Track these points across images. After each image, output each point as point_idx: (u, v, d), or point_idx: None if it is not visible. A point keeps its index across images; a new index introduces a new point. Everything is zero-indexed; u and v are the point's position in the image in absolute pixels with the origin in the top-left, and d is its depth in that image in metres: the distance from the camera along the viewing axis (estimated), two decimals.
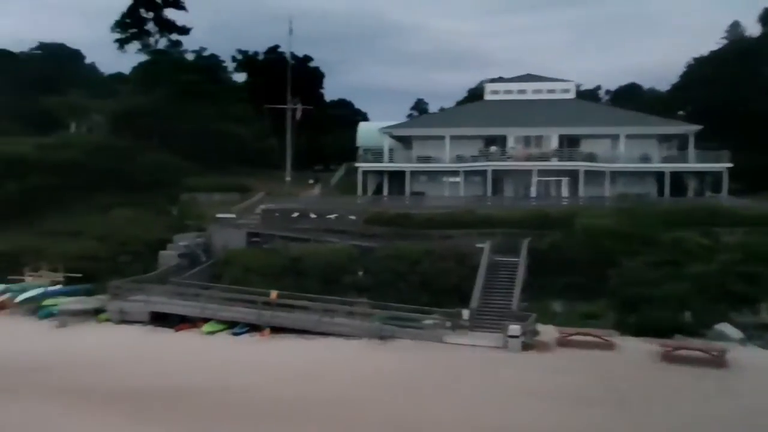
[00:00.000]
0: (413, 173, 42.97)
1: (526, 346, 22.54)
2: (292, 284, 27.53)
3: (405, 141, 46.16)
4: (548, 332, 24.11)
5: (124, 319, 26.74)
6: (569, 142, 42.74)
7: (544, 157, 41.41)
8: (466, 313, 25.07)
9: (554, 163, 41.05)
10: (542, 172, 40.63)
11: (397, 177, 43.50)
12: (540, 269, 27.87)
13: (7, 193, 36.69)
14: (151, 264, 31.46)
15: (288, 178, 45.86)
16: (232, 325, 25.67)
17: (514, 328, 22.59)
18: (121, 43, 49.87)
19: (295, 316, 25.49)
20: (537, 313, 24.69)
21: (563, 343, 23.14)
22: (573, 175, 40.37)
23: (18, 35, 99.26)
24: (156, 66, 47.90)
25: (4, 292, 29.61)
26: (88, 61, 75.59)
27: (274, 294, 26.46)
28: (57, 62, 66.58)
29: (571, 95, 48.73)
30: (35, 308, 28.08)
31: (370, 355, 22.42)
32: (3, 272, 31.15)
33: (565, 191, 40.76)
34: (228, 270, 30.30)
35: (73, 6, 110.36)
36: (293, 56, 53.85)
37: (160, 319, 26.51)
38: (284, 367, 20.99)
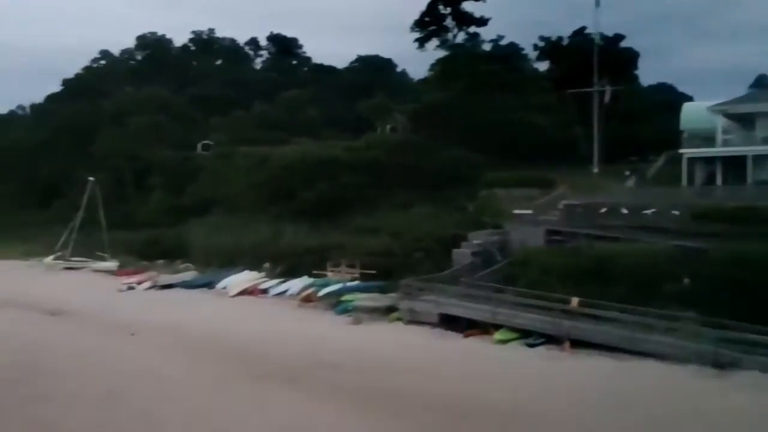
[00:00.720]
0: (757, 158, 34.59)
1: None
2: (597, 290, 23.09)
3: (745, 120, 37.60)
4: None
5: (413, 320, 25.47)
6: None
7: None
8: None
9: None
10: None
11: (733, 163, 35.51)
12: None
13: (320, 193, 39.15)
14: (444, 262, 29.92)
15: (595, 170, 40.91)
16: (527, 334, 22.48)
17: None
18: (421, 42, 50.45)
19: (601, 329, 21.24)
20: None
21: None
22: None
23: (336, 51, 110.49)
24: (454, 60, 47.28)
25: (310, 286, 30.97)
26: (399, 69, 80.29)
27: (574, 301, 22.53)
28: (371, 72, 71.62)
29: None
30: (335, 303, 28.55)
31: (702, 387, 17.13)
32: (311, 267, 32.76)
33: None
34: (524, 271, 27.14)
35: (389, 22, 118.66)
36: (601, 36, 48.37)
37: (449, 322, 24.59)
38: (589, 391, 17.08)
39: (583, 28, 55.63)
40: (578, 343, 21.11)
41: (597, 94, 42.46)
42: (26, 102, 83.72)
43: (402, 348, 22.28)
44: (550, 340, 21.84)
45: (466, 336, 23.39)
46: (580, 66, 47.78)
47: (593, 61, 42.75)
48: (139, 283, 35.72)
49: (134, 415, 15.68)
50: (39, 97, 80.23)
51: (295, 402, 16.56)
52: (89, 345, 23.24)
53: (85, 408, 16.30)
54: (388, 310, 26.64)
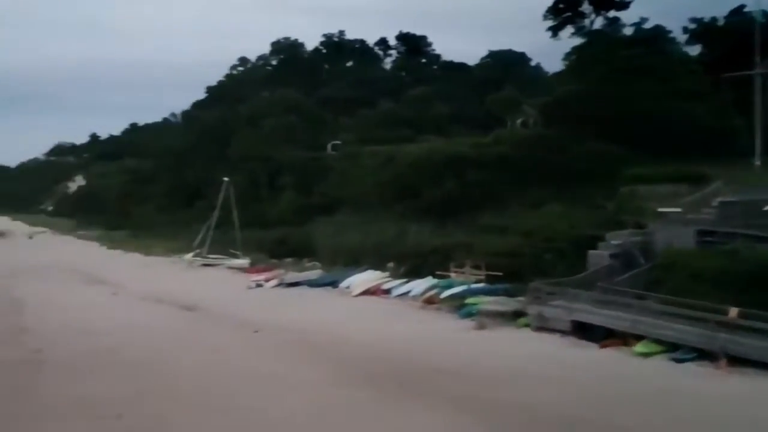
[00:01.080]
0: None
1: None
2: (761, 299, 19.88)
3: None
4: None
5: (542, 326, 23.47)
6: None
7: None
8: None
9: None
10: None
11: None
12: None
13: (446, 191, 37.94)
14: (578, 265, 27.49)
15: (757, 163, 36.30)
16: (673, 348, 19.79)
17: None
18: (554, 30, 47.28)
19: (766, 346, 18.18)
20: None
21: None
22: None
23: (468, 48, 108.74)
24: (590, 47, 43.86)
25: (433, 287, 29.77)
26: (533, 63, 77.17)
27: (733, 311, 19.52)
28: (503, 67, 69.28)
29: None
30: (458, 306, 27.15)
31: None
32: (435, 267, 31.56)
33: None
34: (670, 276, 24.22)
35: (524, 16, 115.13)
36: (764, 14, 43.08)
37: (583, 330, 22.35)
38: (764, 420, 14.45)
39: (742, 6, 50.04)
40: (737, 360, 18.20)
41: (759, 78, 37.73)
42: (178, 110, 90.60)
43: (529, 357, 20.46)
44: (702, 355, 19.04)
45: (602, 347, 21.06)
46: (737, 48, 42.76)
47: (754, 41, 38.05)
48: (267, 280, 36.34)
49: (248, 417, 15.34)
50: (189, 105, 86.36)
51: (409, 409, 15.55)
52: (214, 341, 23.55)
53: (201, 407, 16.18)
54: (516, 315, 24.82)
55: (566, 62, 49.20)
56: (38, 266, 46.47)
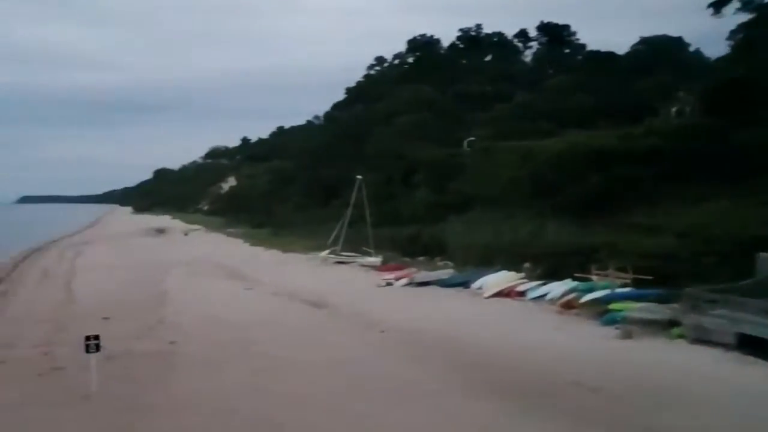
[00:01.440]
0: None
1: None
2: None
3: None
4: None
5: (700, 338, 20.51)
6: None
7: None
8: None
9: None
10: None
11: None
12: None
13: (588, 187, 35.01)
14: (746, 269, 23.87)
15: None
16: None
17: None
18: (716, 6, 41.96)
19: None
20: None
21: None
22: None
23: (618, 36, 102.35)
24: (761, 23, 38.60)
25: (572, 290, 27.37)
26: (692, 49, 70.68)
27: None
28: (656, 54, 63.96)
29: None
30: (601, 312, 24.63)
31: None
32: (574, 268, 29.08)
33: None
34: None
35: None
36: None
37: (751, 345, 19.17)
38: None
39: None
40: None
41: None
42: (321, 112, 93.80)
43: (684, 373, 17.81)
44: None
45: None
46: None
47: None
48: (398, 279, 35.58)
49: (362, 423, 14.48)
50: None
51: (541, 427, 14.00)
52: (339, 340, 23.01)
53: (316, 409, 15.55)
54: (668, 325, 21.95)
55: (731, 42, 43.84)
56: (187, 261, 49.13)
